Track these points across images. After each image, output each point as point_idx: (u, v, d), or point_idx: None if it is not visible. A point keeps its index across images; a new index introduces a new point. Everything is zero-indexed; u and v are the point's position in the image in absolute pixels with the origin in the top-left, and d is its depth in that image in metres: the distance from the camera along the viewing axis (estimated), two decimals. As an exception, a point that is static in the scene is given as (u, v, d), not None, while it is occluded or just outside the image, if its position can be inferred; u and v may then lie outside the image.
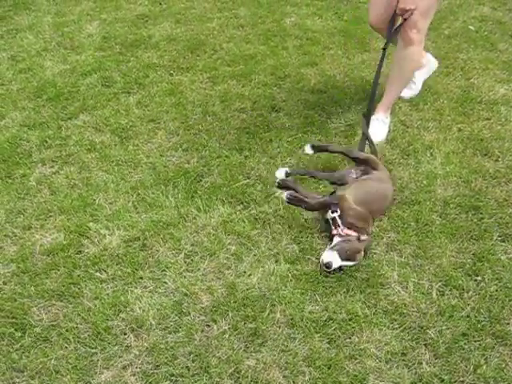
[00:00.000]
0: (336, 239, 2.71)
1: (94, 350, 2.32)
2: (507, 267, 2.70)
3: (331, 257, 2.59)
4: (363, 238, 2.70)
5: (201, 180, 3.22)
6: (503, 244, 2.84)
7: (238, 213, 2.98)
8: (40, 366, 2.27)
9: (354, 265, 2.65)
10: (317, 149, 3.31)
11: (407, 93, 3.92)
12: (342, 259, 2.60)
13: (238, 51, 4.69)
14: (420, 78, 3.96)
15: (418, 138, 3.56)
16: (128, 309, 2.48)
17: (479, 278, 2.64)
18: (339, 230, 2.74)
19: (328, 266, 2.57)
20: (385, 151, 3.44)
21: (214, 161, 3.36)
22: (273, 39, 4.91)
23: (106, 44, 4.84)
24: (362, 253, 2.68)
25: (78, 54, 4.67)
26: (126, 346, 2.33)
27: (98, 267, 2.68)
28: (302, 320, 2.42)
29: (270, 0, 5.75)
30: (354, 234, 2.72)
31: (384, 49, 3.34)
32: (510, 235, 2.88)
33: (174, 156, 3.43)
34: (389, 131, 3.66)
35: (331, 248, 2.65)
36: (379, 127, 3.64)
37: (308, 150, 3.30)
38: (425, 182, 3.20)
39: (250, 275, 2.63)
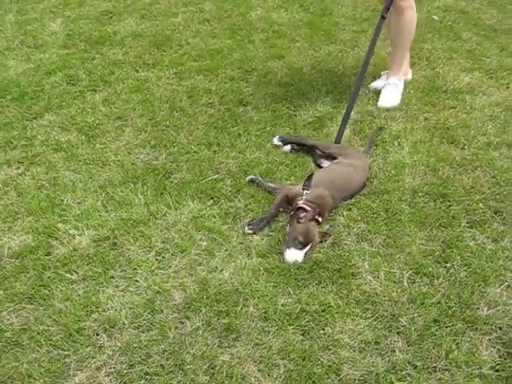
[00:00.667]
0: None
1: (66, 352, 2.29)
2: (476, 253, 2.74)
3: (293, 255, 2.65)
4: (301, 215, 2.74)
5: (170, 176, 3.21)
6: (471, 230, 2.88)
7: (208, 208, 2.97)
8: (12, 370, 2.23)
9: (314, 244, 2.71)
10: (285, 141, 3.33)
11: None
12: (300, 248, 2.65)
13: (204, 46, 4.68)
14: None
15: (386, 128, 3.60)
16: (100, 309, 2.45)
17: (449, 265, 2.67)
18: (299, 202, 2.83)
19: (296, 262, 2.64)
20: (353, 142, 3.47)
21: (183, 157, 3.35)
22: (239, 33, 4.91)
23: (70, 41, 4.79)
24: (316, 230, 2.72)
25: (41, 53, 4.61)
26: (99, 347, 2.31)
27: (68, 268, 2.65)
28: (275, 313, 2.42)
29: (236, -7, 5.74)
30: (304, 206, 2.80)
31: (383, 17, 3.52)
32: (478, 221, 2.93)
33: (142, 153, 3.41)
34: (402, 96, 3.89)
35: (287, 247, 2.68)
36: (392, 92, 3.87)
37: (276, 141, 3.32)
38: (393, 171, 3.23)
39: (221, 270, 2.62)
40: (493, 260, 2.69)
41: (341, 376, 2.20)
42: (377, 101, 3.89)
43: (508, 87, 4.15)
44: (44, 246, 2.77)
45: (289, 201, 2.92)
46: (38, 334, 2.36)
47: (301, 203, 2.81)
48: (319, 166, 3.27)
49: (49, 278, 2.60)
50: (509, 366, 2.24)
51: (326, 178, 3.01)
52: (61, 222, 2.90)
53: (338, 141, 3.33)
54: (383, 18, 3.52)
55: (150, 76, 4.23)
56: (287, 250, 2.66)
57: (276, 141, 3.36)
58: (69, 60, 4.45)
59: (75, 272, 2.63)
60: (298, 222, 2.72)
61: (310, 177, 2.94)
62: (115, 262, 2.68)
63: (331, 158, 3.22)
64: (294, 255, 2.64)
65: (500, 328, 2.38)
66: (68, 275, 2.62)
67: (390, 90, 3.89)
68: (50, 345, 2.32)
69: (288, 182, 3.14)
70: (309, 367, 2.22)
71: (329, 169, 3.14)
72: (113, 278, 2.61)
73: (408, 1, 3.58)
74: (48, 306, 2.47)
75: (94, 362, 2.25)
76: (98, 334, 2.36)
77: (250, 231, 2.81)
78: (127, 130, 3.62)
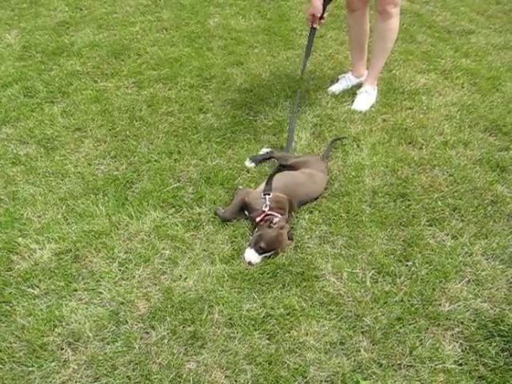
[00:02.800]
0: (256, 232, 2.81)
1: (30, 369, 2.25)
2: (436, 250, 2.80)
3: (250, 256, 2.68)
4: (275, 220, 2.75)
5: (131, 186, 3.19)
6: (431, 228, 2.94)
7: (170, 217, 2.96)
8: (-26, 389, 2.19)
9: (281, 251, 2.74)
10: (257, 161, 3.36)
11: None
12: (260, 253, 2.68)
13: (163, 54, 4.67)
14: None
15: (345, 131, 3.65)
16: (63, 323, 2.42)
17: (410, 263, 2.73)
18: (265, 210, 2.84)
19: (250, 263, 2.67)
20: (313, 146, 3.50)
21: (144, 166, 3.33)
22: (197, 41, 4.92)
23: (26, 53, 4.72)
24: (285, 237, 2.74)
25: (-3, 65, 4.53)
26: (64, 361, 2.28)
27: (30, 283, 2.61)
28: (240, 319, 2.43)
29: (193, 1, 5.76)
30: (258, 218, 2.82)
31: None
32: (437, 219, 2.99)
33: (103, 164, 3.38)
34: (376, 101, 3.97)
35: (249, 246, 2.72)
36: (365, 99, 3.94)
37: (248, 163, 3.34)
38: (353, 173, 3.27)
39: (186, 278, 2.62)
40: (452, 256, 2.76)
41: (307, 378, 2.22)
42: (336, 104, 3.93)
43: (463, 87, 4.25)
44: (4, 261, 2.72)
45: (245, 205, 2.93)
46: (1, 351, 2.31)
47: (268, 211, 2.83)
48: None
49: (10, 293, 2.56)
50: (471, 360, 2.30)
51: (284, 183, 3.01)
52: (21, 236, 2.86)
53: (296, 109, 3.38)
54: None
55: (109, 86, 4.20)
56: (248, 249, 2.70)
57: (248, 163, 3.36)
58: (25, 72, 4.39)
59: (37, 287, 2.59)
60: (270, 227, 2.74)
61: (269, 180, 2.97)
62: (78, 275, 2.65)
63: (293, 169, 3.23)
64: (250, 256, 2.67)
65: (462, 323, 2.44)
66: (30, 290, 2.57)
67: (364, 97, 3.95)
68: (13, 362, 2.28)
69: (249, 187, 3.14)
70: (275, 371, 2.23)
71: (286, 173, 3.13)
72: (76, 290, 2.57)
73: (397, 8, 3.63)
74: (10, 323, 2.43)
75: (59, 378, 2.23)
76: (62, 349, 2.33)
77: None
78: (87, 141, 3.58)
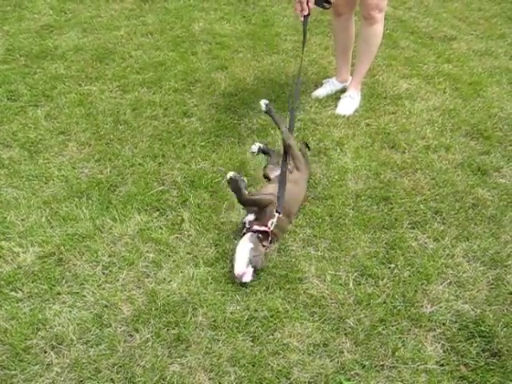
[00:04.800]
0: (245, 240, 2.70)
1: (13, 372, 2.24)
2: (418, 253, 2.83)
3: (249, 277, 2.60)
4: (265, 243, 2.72)
5: (115, 190, 3.19)
6: (413, 231, 2.97)
7: (154, 220, 2.97)
8: (-44, 394, 2.18)
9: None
10: (261, 150, 3.40)
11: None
12: (254, 271, 2.62)
13: (148, 58, 4.67)
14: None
15: (328, 135, 3.67)
16: (47, 326, 2.41)
17: (393, 265, 2.75)
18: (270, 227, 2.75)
19: (244, 281, 2.59)
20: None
21: (128, 169, 3.33)
22: (182, 45, 4.93)
23: (10, 56, 4.70)
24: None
25: (-20, 69, 4.50)
26: (47, 365, 2.28)
27: (13, 286, 2.60)
28: (224, 321, 2.44)
29: (178, 6, 5.77)
30: (260, 228, 2.75)
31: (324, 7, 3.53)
32: (419, 222, 3.02)
33: (87, 167, 3.38)
34: (359, 106, 4.01)
35: (246, 263, 2.59)
36: (349, 103, 3.97)
37: (254, 148, 3.40)
38: (336, 176, 3.29)
39: (170, 281, 2.62)
40: (434, 259, 2.79)
41: (291, 379, 2.23)
42: (319, 108, 3.96)
43: (445, 92, 4.30)
44: (-13, 265, 2.71)
45: (260, 208, 2.82)
46: (-17, 354, 2.31)
47: (271, 229, 2.76)
48: (265, 176, 3.23)
49: (-7, 297, 2.55)
50: (453, 361, 2.33)
51: (287, 202, 2.91)
52: (4, 239, 2.84)
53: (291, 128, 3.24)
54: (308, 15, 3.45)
55: (93, 90, 4.20)
56: (244, 266, 2.59)
57: (254, 148, 3.39)
58: (9, 75, 4.36)
59: (20, 290, 2.58)
60: (264, 247, 2.70)
61: (280, 197, 2.85)
62: (61, 278, 2.64)
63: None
64: (249, 277, 2.59)
65: (443, 324, 2.47)
66: (13, 293, 2.56)
67: (347, 102, 3.99)
68: (-4, 365, 2.27)
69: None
70: (259, 373, 2.24)
71: (288, 190, 2.96)
72: (59, 294, 2.57)
73: (382, 13, 3.66)
74: (-8, 326, 2.42)
75: (43, 381, 2.22)
76: (45, 352, 2.32)
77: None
78: (71, 144, 3.57)
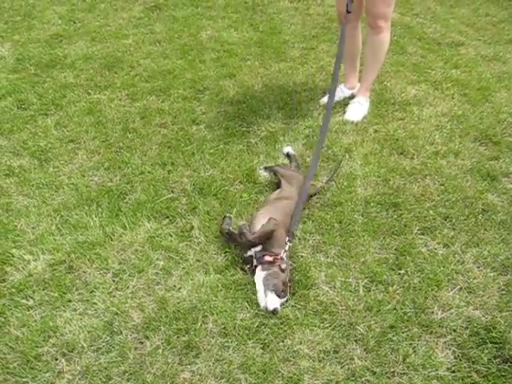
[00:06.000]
0: (259, 273, 2.64)
1: (24, 380, 2.25)
2: (428, 259, 2.82)
3: (277, 303, 2.50)
4: (283, 266, 2.63)
5: (125, 197, 3.20)
6: (423, 237, 2.96)
7: (164, 227, 2.97)
8: (-32, 401, 2.19)
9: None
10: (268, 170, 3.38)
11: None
12: (281, 297, 2.54)
13: (156, 67, 4.70)
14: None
15: (337, 142, 3.67)
16: (58, 334, 2.42)
17: (402, 272, 2.74)
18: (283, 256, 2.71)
19: (275, 312, 2.47)
20: (305, 157, 3.53)
21: (137, 177, 3.35)
22: (190, 53, 4.96)
23: (19, 65, 4.74)
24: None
25: (-10, 78, 4.54)
26: (58, 372, 2.28)
27: (24, 294, 2.61)
28: (234, 328, 2.44)
29: (186, 14, 5.80)
30: (270, 258, 2.68)
31: (348, 11, 3.51)
32: (429, 228, 3.01)
33: (96, 175, 3.39)
34: (368, 112, 4.02)
35: (268, 291, 2.52)
36: (357, 109, 3.99)
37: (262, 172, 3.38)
38: (345, 183, 3.29)
39: (179, 289, 2.63)
40: (444, 265, 2.78)
41: (301, 386, 2.23)
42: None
43: (453, 98, 4.29)
44: (-2, 272, 2.73)
45: (269, 237, 2.75)
46: (-5, 362, 2.32)
47: (283, 258, 2.70)
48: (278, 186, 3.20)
49: (4, 305, 2.56)
50: (464, 367, 2.31)
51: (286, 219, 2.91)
52: (15, 247, 2.86)
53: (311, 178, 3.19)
54: (349, 12, 3.50)
55: (102, 98, 4.23)
56: (271, 296, 2.51)
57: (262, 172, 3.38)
58: (19, 84, 4.40)
59: (31, 298, 2.59)
60: (282, 271, 2.62)
61: (292, 226, 2.85)
62: (72, 286, 2.65)
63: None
64: (277, 303, 2.49)
65: (454, 330, 2.46)
66: (24, 301, 2.57)
67: (356, 108, 4.00)
68: (8, 373, 2.27)
69: (241, 199, 3.16)
70: (269, 380, 2.24)
71: (283, 209, 2.97)
72: (70, 301, 2.58)
73: (388, 22, 3.67)
74: (4, 334, 2.43)
75: (54, 388, 2.23)
76: (56, 359, 2.33)
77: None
78: (80, 152, 3.60)
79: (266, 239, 2.73)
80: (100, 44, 5.14)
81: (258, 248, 2.73)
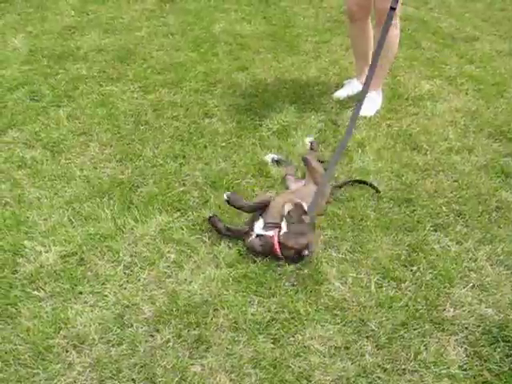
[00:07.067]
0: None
1: (35, 371, 2.25)
2: (441, 256, 2.80)
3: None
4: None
5: (136, 190, 3.20)
6: (436, 233, 2.94)
7: (175, 220, 2.97)
8: (-21, 391, 2.19)
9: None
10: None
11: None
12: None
13: (169, 59, 4.70)
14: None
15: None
16: (69, 325, 2.42)
17: (415, 268, 2.73)
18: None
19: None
20: (317, 151, 3.51)
21: (149, 170, 3.35)
22: (203, 46, 4.95)
23: (32, 57, 4.74)
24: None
25: (3, 69, 4.54)
26: (69, 364, 2.28)
27: (36, 285, 2.61)
28: (245, 322, 2.43)
29: (199, 7, 5.80)
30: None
31: (393, 8, 3.41)
32: (442, 225, 2.99)
33: (108, 167, 3.39)
34: (381, 107, 4.01)
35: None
36: (370, 104, 3.91)
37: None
38: (358, 178, 3.27)
39: (191, 282, 2.62)
40: (457, 262, 2.76)
41: (312, 382, 2.22)
42: (340, 109, 3.94)
43: (467, 93, 4.26)
44: (10, 264, 2.72)
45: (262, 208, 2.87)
46: (6, 353, 2.31)
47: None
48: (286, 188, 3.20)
49: (15, 296, 2.56)
50: (476, 365, 2.29)
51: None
52: (27, 239, 2.86)
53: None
54: (393, 9, 3.42)
55: (115, 90, 4.23)
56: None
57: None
58: (32, 76, 4.41)
59: (42, 289, 2.59)
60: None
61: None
62: (83, 278, 2.65)
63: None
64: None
65: (466, 328, 2.44)
66: (35, 292, 2.58)
67: (368, 102, 3.90)
68: (19, 364, 2.27)
69: (253, 192, 3.17)
70: (280, 375, 2.23)
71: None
72: (81, 293, 2.58)
73: (396, 19, 3.60)
74: (15, 325, 2.43)
75: (64, 380, 2.22)
76: (67, 351, 2.33)
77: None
78: (92, 144, 3.60)
79: (262, 208, 2.84)
80: (113, 36, 5.14)
81: (261, 224, 2.79)
